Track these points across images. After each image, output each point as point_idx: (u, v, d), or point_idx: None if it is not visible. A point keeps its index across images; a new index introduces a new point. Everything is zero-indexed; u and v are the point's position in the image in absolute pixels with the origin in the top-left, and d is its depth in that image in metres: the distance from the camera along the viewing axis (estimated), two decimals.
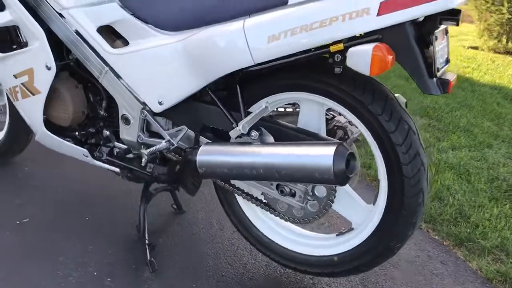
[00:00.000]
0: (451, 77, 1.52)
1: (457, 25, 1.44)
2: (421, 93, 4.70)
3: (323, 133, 1.73)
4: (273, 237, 1.96)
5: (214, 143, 1.73)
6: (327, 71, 1.60)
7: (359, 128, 1.65)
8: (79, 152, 2.08)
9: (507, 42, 7.40)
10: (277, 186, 1.70)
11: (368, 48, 1.37)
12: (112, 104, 1.99)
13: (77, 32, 1.89)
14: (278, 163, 1.50)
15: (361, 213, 1.79)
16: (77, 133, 2.10)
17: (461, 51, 7.45)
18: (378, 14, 1.38)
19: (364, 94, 1.59)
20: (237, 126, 1.63)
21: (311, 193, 1.70)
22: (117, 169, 2.06)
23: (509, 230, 2.43)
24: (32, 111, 2.06)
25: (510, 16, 6.93)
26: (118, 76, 1.88)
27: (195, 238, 2.22)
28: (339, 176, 1.41)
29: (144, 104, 1.87)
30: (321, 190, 1.71)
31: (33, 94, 2.00)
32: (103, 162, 2.04)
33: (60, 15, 1.91)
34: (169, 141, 1.83)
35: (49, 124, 2.11)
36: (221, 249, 2.15)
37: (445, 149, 3.43)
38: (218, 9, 1.66)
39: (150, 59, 1.78)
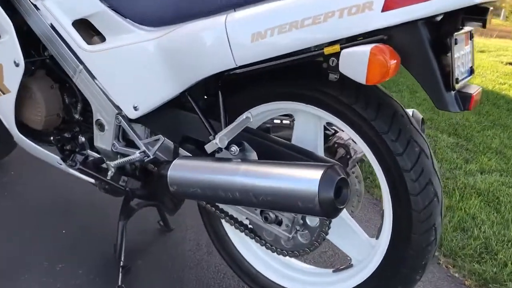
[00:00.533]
0: (474, 90, 1.24)
1: (484, 26, 1.16)
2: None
3: (320, 151, 1.47)
4: (260, 267, 1.70)
5: (190, 157, 1.49)
6: (324, 78, 1.34)
7: (362, 148, 1.38)
8: (53, 159, 1.88)
9: None
10: (261, 212, 1.44)
11: (365, 49, 1.10)
12: (87, 108, 1.77)
13: (52, 26, 1.69)
14: (256, 186, 1.24)
15: (362, 248, 1.52)
16: (51, 137, 1.89)
17: (499, 67, 7.04)
18: (384, 10, 1.12)
19: (367, 108, 1.32)
20: (214, 138, 1.38)
21: (301, 222, 1.43)
22: (92, 180, 1.84)
23: None
24: (4, 111, 1.86)
25: None
26: (93, 76, 1.66)
27: (179, 261, 1.98)
28: (325, 207, 1.15)
29: (119, 108, 1.64)
30: (313, 219, 1.45)
31: (3, 93, 1.80)
32: (77, 171, 1.82)
33: (36, 6, 1.70)
34: (144, 152, 1.60)
35: (23, 127, 1.90)
36: (205, 276, 1.90)
37: (473, 172, 3.10)
38: (203, 2, 1.42)
39: (125, 57, 1.56)
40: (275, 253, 1.54)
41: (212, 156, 1.45)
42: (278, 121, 1.69)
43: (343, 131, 1.61)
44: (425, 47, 1.16)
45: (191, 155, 1.56)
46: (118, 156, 1.71)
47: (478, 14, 1.16)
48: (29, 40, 1.79)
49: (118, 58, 1.58)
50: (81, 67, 1.66)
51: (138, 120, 1.65)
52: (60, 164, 1.86)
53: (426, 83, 1.18)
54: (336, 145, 1.57)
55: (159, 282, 1.84)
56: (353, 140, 1.58)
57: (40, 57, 1.78)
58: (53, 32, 1.68)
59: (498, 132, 3.90)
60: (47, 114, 1.81)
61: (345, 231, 1.53)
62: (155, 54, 1.47)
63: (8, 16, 1.73)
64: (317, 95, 1.37)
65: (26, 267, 1.84)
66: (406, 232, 1.35)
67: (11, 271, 1.81)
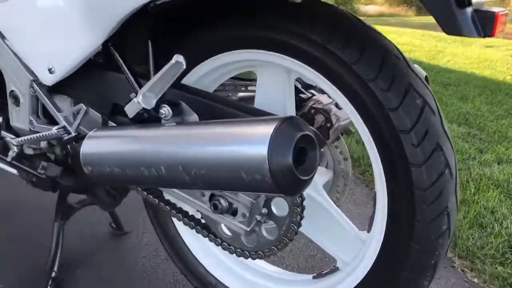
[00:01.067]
0: (498, 10, 0.85)
1: None
2: (459, 97, 4.00)
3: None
4: (220, 275, 1.31)
5: (108, 128, 1.11)
6: (288, 12, 0.98)
7: (344, 107, 1.00)
8: None
9: None
10: (210, 198, 1.06)
11: None
12: (2, 78, 1.40)
13: None
14: (185, 155, 0.86)
15: (350, 245, 1.13)
16: None
17: (509, 60, 6.67)
18: None
19: (347, 46, 0.94)
20: (136, 96, 1.00)
21: (263, 210, 1.05)
22: (13, 170, 1.46)
23: None
24: None
25: None
26: (2, 36, 1.29)
27: (128, 270, 1.59)
28: (281, 178, 0.76)
29: (33, 74, 1.28)
30: (279, 205, 1.06)
31: None
32: None
33: None
34: (63, 127, 1.23)
35: None
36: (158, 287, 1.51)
37: (489, 163, 2.69)
38: None
39: (33, 5, 1.19)
40: (235, 255, 1.15)
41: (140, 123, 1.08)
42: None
43: (322, 93, 1.24)
44: None
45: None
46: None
47: None
48: None
49: (26, 7, 1.21)
50: None
51: (58, 90, 1.28)
52: None
53: None
54: (313, 111, 1.19)
55: None
56: (336, 105, 1.21)
57: None
58: None
59: None
60: None
61: (327, 223, 1.15)
62: None
63: None
64: (280, 36, 1.00)
65: None
66: (407, 219, 0.96)
67: None
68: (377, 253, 1.04)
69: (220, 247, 1.17)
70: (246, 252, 1.13)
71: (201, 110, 1.02)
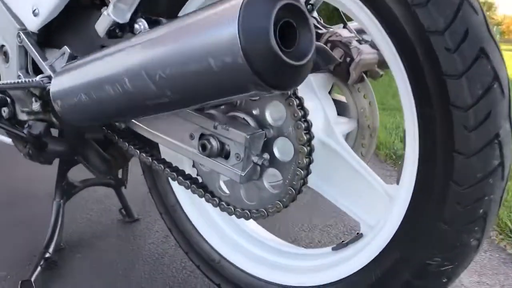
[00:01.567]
0: None
1: None
2: None
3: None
4: (224, 250, 1.11)
5: (75, 60, 0.95)
6: None
7: (367, 28, 0.79)
8: None
9: None
10: (200, 138, 0.87)
11: None
12: None
13: None
14: (147, 58, 0.68)
15: (377, 204, 0.91)
16: None
17: None
18: None
19: None
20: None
21: (260, 151, 0.85)
22: (8, 140, 1.34)
23: None
24: None
25: None
26: None
27: (133, 255, 1.41)
28: (257, 58, 0.56)
29: (20, 23, 1.16)
30: (282, 147, 0.86)
31: None
32: None
33: None
34: (48, 76, 1.09)
35: None
36: (163, 274, 1.32)
37: None
38: None
39: None
40: (234, 216, 0.95)
41: None
42: None
43: (346, 28, 1.04)
44: None
45: None
46: (28, 95, 1.20)
47: None
48: None
49: None
50: None
51: (45, 43, 1.15)
52: None
53: None
54: (329, 45, 0.99)
55: (92, 281, 1.28)
56: (359, 41, 1.01)
57: None
58: None
59: None
60: None
61: (349, 179, 0.94)
62: None
63: None
64: None
65: None
66: (444, 151, 0.74)
67: None
68: (407, 205, 0.81)
69: (218, 208, 0.97)
70: (247, 211, 0.93)
71: None
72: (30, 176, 1.99)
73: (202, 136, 0.87)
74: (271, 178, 0.92)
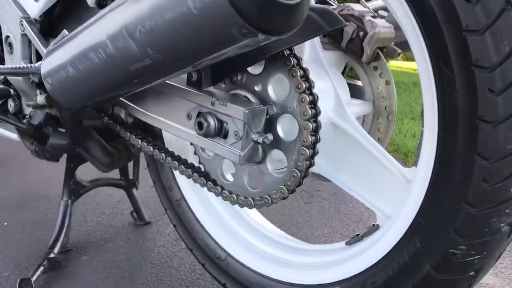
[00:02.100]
0: None
1: None
2: None
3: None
4: (229, 248, 1.02)
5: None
6: None
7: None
8: None
9: None
10: (198, 115, 0.80)
11: None
12: None
13: None
14: (126, 16, 0.61)
15: (394, 190, 0.82)
16: None
17: None
18: None
19: None
20: None
21: (261, 129, 0.77)
22: (14, 135, 1.31)
23: None
24: None
25: None
26: None
27: (141, 258, 1.34)
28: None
29: (23, 11, 1.13)
30: (285, 124, 0.78)
31: None
32: None
33: None
34: None
35: None
36: (171, 277, 1.24)
37: None
38: None
39: None
40: (237, 205, 0.87)
41: None
42: None
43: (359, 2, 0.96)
44: None
45: None
46: (32, 87, 1.17)
47: None
48: None
49: None
50: None
51: (47, 32, 1.12)
52: None
53: None
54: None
55: (96, 283, 1.21)
56: (372, 15, 0.93)
57: None
58: None
59: None
60: None
61: (364, 165, 0.84)
62: None
63: None
64: None
65: None
66: (467, 120, 0.64)
67: None
68: (426, 187, 0.71)
69: (220, 196, 0.89)
70: (250, 199, 0.85)
71: None
72: (42, 176, 1.96)
73: (199, 114, 0.80)
74: (277, 165, 0.84)
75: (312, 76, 0.76)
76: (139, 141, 1.02)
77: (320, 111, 0.75)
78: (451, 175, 0.67)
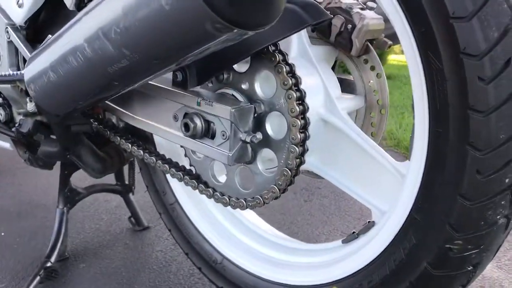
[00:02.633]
0: None
1: None
2: None
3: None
4: (226, 251, 1.01)
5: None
6: None
7: None
8: None
9: None
10: (184, 117, 0.78)
11: None
12: None
13: None
14: (101, 18, 0.60)
15: (388, 185, 0.80)
16: None
17: None
18: None
19: None
20: None
21: (249, 128, 0.75)
22: (6, 144, 1.30)
23: None
24: None
25: None
26: None
27: (139, 263, 1.33)
28: None
29: (8, 17, 1.11)
30: (274, 122, 0.76)
31: None
32: None
33: None
34: None
35: None
36: (169, 282, 1.22)
37: None
38: None
39: None
40: (229, 207, 0.85)
41: None
42: None
43: None
44: None
45: None
46: (21, 95, 1.15)
47: None
48: None
49: None
50: None
51: (33, 39, 1.10)
52: None
53: None
54: (329, 12, 0.89)
55: None
56: (360, 7, 0.91)
57: None
58: None
59: None
60: None
61: (357, 160, 0.83)
62: None
63: None
64: None
65: None
66: (458, 110, 0.62)
67: None
68: (419, 180, 0.69)
69: (212, 198, 0.88)
70: (242, 200, 0.83)
71: None
72: (40, 184, 1.95)
73: (186, 115, 0.79)
74: (268, 164, 0.82)
75: (300, 72, 0.74)
76: (129, 145, 1.00)
77: (308, 108, 0.73)
78: (444, 168, 0.65)
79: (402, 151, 2.51)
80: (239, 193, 0.84)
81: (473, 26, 0.59)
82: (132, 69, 0.62)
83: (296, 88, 0.72)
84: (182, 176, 0.91)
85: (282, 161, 0.76)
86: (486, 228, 0.64)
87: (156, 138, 1.08)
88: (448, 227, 0.66)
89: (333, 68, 0.95)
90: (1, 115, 1.23)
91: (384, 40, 0.91)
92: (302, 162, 0.75)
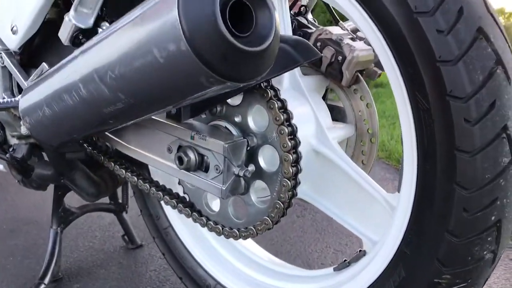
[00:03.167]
0: None
1: None
2: None
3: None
4: (218, 276, 1.02)
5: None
6: None
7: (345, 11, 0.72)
8: None
9: None
10: (178, 150, 0.80)
11: None
12: None
13: None
14: (97, 60, 0.61)
15: (379, 216, 0.81)
16: None
17: None
18: None
19: None
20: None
21: (242, 162, 0.76)
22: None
23: None
24: None
25: None
26: None
27: (132, 283, 1.33)
28: (203, 43, 0.48)
29: (1, 43, 1.12)
30: (266, 155, 0.78)
31: None
32: None
33: None
34: None
35: None
36: None
37: None
38: None
39: None
40: (223, 236, 0.87)
41: None
42: None
43: (339, 25, 0.96)
44: None
45: None
46: (15, 119, 1.16)
47: None
48: None
49: None
50: None
51: (27, 64, 1.11)
52: None
53: None
54: (319, 44, 0.91)
55: None
56: (351, 38, 0.92)
57: None
58: None
59: None
60: None
61: (348, 191, 0.84)
62: None
63: None
64: None
65: None
66: (444, 149, 0.64)
67: None
68: (409, 215, 0.71)
69: (206, 228, 0.89)
70: (235, 230, 0.84)
71: None
72: (33, 202, 1.95)
73: (179, 148, 0.80)
74: (261, 193, 0.83)
75: (291, 104, 0.76)
76: (123, 171, 1.01)
77: (299, 142, 0.75)
78: (433, 204, 0.67)
79: (393, 163, 2.53)
80: (233, 222, 0.85)
81: (459, 69, 0.60)
82: (128, 111, 0.63)
83: (288, 123, 0.74)
84: (175, 204, 0.93)
85: (274, 194, 0.77)
86: (473, 263, 0.66)
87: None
88: (437, 262, 0.67)
89: (324, 95, 0.97)
90: None
91: (374, 70, 0.92)
92: (294, 195, 0.76)
